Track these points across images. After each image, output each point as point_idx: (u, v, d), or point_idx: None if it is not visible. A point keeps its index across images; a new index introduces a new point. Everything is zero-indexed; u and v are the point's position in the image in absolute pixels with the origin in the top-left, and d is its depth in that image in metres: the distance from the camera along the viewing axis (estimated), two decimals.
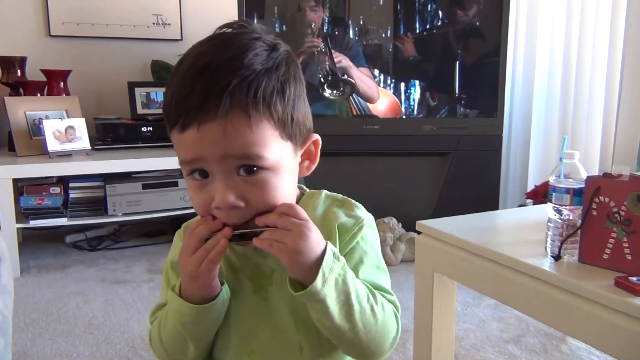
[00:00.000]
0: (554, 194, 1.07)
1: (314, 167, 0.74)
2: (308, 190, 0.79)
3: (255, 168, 0.64)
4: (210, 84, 0.61)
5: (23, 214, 2.40)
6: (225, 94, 0.61)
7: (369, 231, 0.74)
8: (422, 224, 1.40)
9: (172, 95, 0.63)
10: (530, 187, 2.66)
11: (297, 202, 0.74)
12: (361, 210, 0.76)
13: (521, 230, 1.39)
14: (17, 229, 2.39)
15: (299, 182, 0.77)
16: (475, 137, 2.57)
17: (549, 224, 1.09)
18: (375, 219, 2.65)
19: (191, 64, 0.63)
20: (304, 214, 0.66)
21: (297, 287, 0.65)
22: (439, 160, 2.62)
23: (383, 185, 2.63)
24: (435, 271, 1.35)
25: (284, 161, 0.67)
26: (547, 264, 1.07)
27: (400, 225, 2.53)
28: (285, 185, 0.68)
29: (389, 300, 0.73)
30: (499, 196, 2.68)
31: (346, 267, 0.67)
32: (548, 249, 1.09)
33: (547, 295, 1.04)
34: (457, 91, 2.60)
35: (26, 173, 2.35)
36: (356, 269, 0.71)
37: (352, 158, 2.62)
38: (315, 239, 0.64)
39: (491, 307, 2.04)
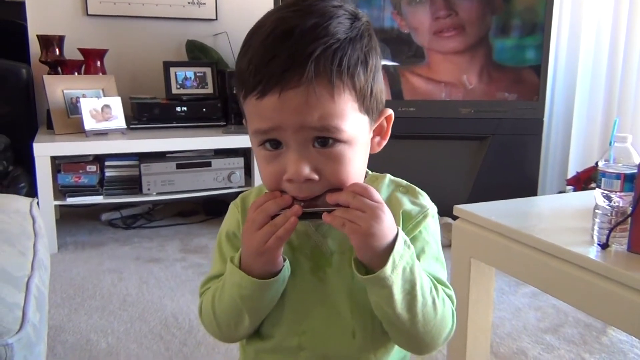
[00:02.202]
0: (603, 179, 1.02)
1: (384, 143, 0.71)
2: (371, 172, 0.76)
3: (331, 140, 0.62)
4: (294, 50, 0.59)
5: (60, 191, 2.44)
6: (310, 61, 0.59)
7: (432, 221, 0.72)
8: (459, 208, 1.36)
9: (251, 60, 0.61)
10: (571, 174, 2.57)
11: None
12: (426, 199, 0.73)
13: (563, 217, 1.34)
14: (55, 206, 2.43)
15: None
16: (515, 121, 2.49)
17: (597, 210, 1.04)
18: None
19: (272, 29, 0.61)
20: (378, 196, 0.64)
21: (362, 271, 0.63)
22: (477, 145, 2.56)
23: (417, 169, 2.58)
24: (473, 257, 1.31)
25: (359, 135, 0.65)
26: (593, 252, 1.02)
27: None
28: (358, 161, 0.66)
29: (447, 295, 0.70)
30: (537, 182, 2.60)
31: (414, 256, 0.65)
32: (595, 237, 1.04)
33: (592, 284, 0.99)
34: (496, 73, 2.52)
35: (64, 151, 2.38)
36: (417, 259, 0.69)
37: (388, 141, 2.57)
38: (389, 224, 0.63)
39: (528, 296, 1.99)
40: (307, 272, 0.71)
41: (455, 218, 1.38)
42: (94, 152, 2.46)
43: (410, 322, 0.65)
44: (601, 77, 2.57)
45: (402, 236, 0.64)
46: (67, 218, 2.85)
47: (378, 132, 0.70)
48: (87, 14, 2.83)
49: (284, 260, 0.69)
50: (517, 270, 1.22)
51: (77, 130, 2.49)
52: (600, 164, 1.03)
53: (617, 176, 1.00)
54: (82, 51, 2.68)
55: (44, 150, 2.29)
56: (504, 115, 2.49)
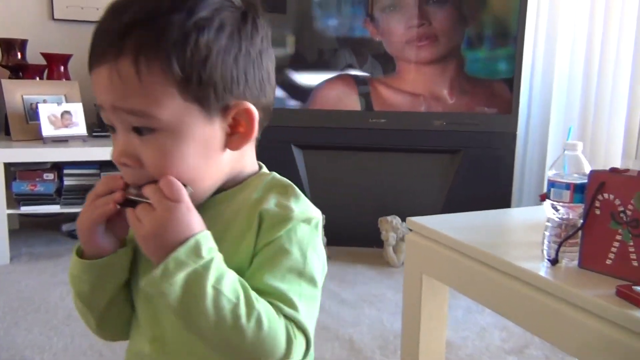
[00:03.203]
0: (552, 189, 0.95)
1: (246, 144, 0.62)
2: (264, 170, 0.68)
3: (146, 129, 0.57)
4: (108, 25, 0.56)
5: (15, 199, 2.34)
6: (118, 36, 0.54)
7: (302, 229, 0.61)
8: (412, 220, 1.28)
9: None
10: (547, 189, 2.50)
11: (242, 182, 0.65)
12: (300, 203, 0.63)
13: (520, 231, 1.27)
14: (10, 215, 2.33)
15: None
16: (488, 135, 2.42)
17: (547, 223, 0.97)
18: (379, 217, 2.49)
19: (108, 5, 0.58)
20: (179, 193, 0.56)
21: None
22: (449, 158, 2.49)
23: (388, 183, 2.51)
24: (424, 273, 1.23)
25: (185, 126, 0.58)
26: (542, 268, 0.95)
27: (404, 225, 2.41)
28: (186, 155, 0.58)
29: (287, 316, 0.58)
30: (511, 198, 2.53)
31: (213, 266, 0.55)
32: (545, 252, 0.96)
33: (540, 303, 0.91)
34: (469, 85, 2.46)
35: (18, 157, 2.29)
36: (262, 268, 0.59)
37: (356, 153, 2.50)
38: (179, 227, 0.55)
39: (494, 315, 1.90)
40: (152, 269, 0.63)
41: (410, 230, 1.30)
42: (52, 160, 2.37)
43: (207, 344, 0.59)
44: (577, 89, 2.52)
45: (192, 244, 0.55)
46: (26, 228, 2.75)
47: (237, 127, 0.61)
48: (53, 19, 2.76)
49: (121, 249, 0.64)
50: (467, 288, 1.14)
51: (36, 137, 2.40)
52: (550, 173, 0.95)
53: (567, 186, 0.93)
54: (45, 56, 2.60)
55: None
56: (477, 129, 2.43)
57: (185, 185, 0.58)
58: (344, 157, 2.51)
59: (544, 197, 2.24)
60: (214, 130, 0.60)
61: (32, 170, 2.36)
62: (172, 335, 0.63)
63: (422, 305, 1.24)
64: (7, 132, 2.44)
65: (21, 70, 2.56)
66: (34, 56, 2.61)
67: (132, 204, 0.58)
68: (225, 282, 0.56)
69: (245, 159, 0.66)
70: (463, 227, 1.22)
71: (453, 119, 2.43)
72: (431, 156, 2.49)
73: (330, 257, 2.67)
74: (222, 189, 0.64)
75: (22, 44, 2.58)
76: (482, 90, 2.47)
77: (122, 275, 0.65)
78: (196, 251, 0.55)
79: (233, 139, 0.61)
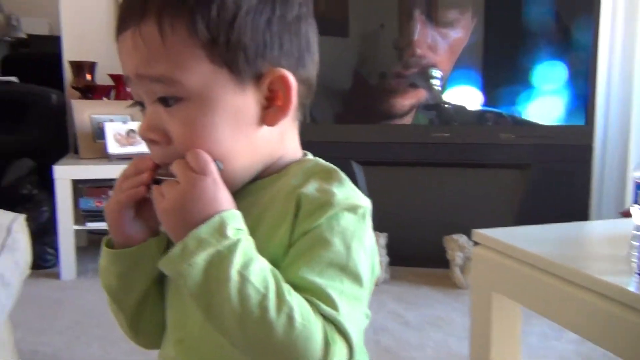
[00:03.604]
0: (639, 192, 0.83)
1: (284, 117, 0.56)
2: (311, 157, 0.62)
3: (171, 99, 0.52)
4: None
5: (82, 216, 2.40)
6: None
7: (346, 217, 0.53)
8: (479, 232, 1.19)
9: None
10: (628, 204, 2.31)
11: (285, 168, 0.59)
12: (345, 188, 0.55)
13: (605, 243, 1.14)
14: (79, 232, 2.39)
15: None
16: (560, 148, 2.27)
17: (636, 232, 0.85)
18: (444, 236, 2.35)
19: None
20: (206, 165, 0.51)
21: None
22: (518, 173, 2.34)
23: (453, 200, 2.39)
24: (494, 291, 1.13)
25: (215, 94, 0.52)
26: (632, 283, 0.83)
27: (471, 244, 2.27)
28: (217, 127, 0.53)
29: (325, 316, 0.50)
30: (588, 215, 2.35)
31: (238, 249, 0.49)
32: (635, 265, 0.85)
33: (630, 324, 0.80)
34: (539, 95, 2.32)
35: (85, 174, 2.35)
36: (298, 260, 0.52)
37: (419, 169, 2.41)
38: (204, 202, 0.50)
39: (575, 342, 1.74)
40: None
41: (476, 244, 1.20)
42: (116, 176, 2.41)
43: (228, 338, 0.51)
44: None
45: (216, 221, 0.50)
46: (94, 245, 2.81)
47: (274, 99, 0.55)
48: None
49: (152, 239, 0.58)
50: (543, 307, 1.03)
51: (103, 155, 2.46)
52: (637, 174, 0.84)
53: None
54: (113, 77, 2.68)
55: (64, 173, 2.26)
56: (549, 141, 2.27)
57: (214, 161, 0.53)
58: (407, 173, 2.42)
59: (626, 214, 2.07)
60: (247, 100, 0.54)
61: (98, 187, 2.41)
62: (198, 337, 0.58)
63: (492, 326, 1.13)
64: (77, 151, 2.52)
65: (90, 91, 2.64)
66: (102, 77, 2.70)
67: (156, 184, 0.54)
68: (254, 269, 0.49)
69: (287, 144, 0.59)
70: (537, 240, 1.12)
71: (522, 132, 2.29)
72: (499, 171, 2.36)
73: (393, 278, 2.59)
74: (260, 176, 0.58)
75: (91, 66, 2.67)
76: (554, 101, 2.32)
77: (154, 267, 0.57)
78: (221, 230, 0.50)
79: (269, 113, 0.56)
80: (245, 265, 0.49)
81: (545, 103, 2.32)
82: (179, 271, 0.50)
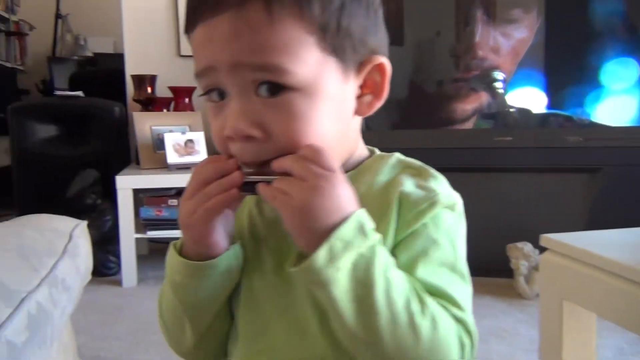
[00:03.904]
0: None
1: (379, 104, 0.54)
2: (379, 152, 0.60)
3: (277, 86, 0.47)
4: None
5: (143, 224, 2.45)
6: None
7: (448, 215, 0.53)
8: (548, 238, 1.11)
9: None
10: None
11: (359, 165, 0.56)
12: (441, 184, 0.54)
13: None
14: (140, 240, 2.45)
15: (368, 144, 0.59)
16: (634, 150, 2.12)
17: None
18: (507, 244, 2.24)
19: None
20: (331, 162, 0.47)
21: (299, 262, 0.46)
22: (586, 177, 2.21)
23: (517, 206, 2.28)
24: (565, 299, 1.05)
25: (322, 82, 0.49)
26: None
27: (537, 252, 2.16)
28: (323, 119, 0.49)
29: (455, 317, 0.49)
30: None
31: (379, 250, 0.46)
32: None
33: None
34: (609, 95, 2.19)
35: (145, 184, 2.40)
36: (414, 262, 0.50)
37: (481, 175, 2.32)
38: (338, 200, 0.46)
39: None
40: (270, 272, 0.54)
41: (544, 250, 1.12)
42: (175, 185, 2.46)
43: (373, 348, 0.46)
44: None
45: (356, 219, 0.46)
46: (155, 253, 2.87)
47: (369, 88, 0.53)
48: (180, 55, 2.92)
49: (234, 245, 0.53)
50: (622, 318, 0.94)
51: (163, 165, 2.51)
52: None
53: None
54: (172, 89, 2.75)
55: (125, 183, 2.32)
56: (621, 144, 2.13)
57: None
58: (467, 179, 2.33)
59: None
60: (348, 90, 0.52)
61: (158, 196, 2.46)
62: (282, 347, 0.53)
63: (564, 338, 1.05)
64: (138, 161, 2.59)
65: (150, 104, 2.72)
66: (162, 90, 2.77)
67: (250, 187, 0.49)
68: (393, 271, 0.47)
69: (357, 138, 0.58)
70: (611, 244, 1.03)
71: (591, 134, 2.16)
72: (565, 176, 2.24)
73: None
74: None
75: (152, 79, 2.74)
76: (626, 101, 2.18)
77: (238, 277, 0.55)
78: (362, 230, 0.46)
79: (362, 102, 0.53)
80: (387, 267, 0.47)
81: (615, 104, 2.19)
82: (325, 278, 0.45)
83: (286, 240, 0.53)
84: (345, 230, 0.45)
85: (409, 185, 0.53)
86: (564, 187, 2.25)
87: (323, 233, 0.45)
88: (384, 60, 0.53)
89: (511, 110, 2.30)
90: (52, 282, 0.99)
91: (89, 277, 1.28)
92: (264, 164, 0.50)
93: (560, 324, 1.05)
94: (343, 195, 0.47)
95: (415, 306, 0.47)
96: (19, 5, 4.79)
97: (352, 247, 0.45)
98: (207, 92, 0.52)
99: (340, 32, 0.49)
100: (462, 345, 0.49)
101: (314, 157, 0.47)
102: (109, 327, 1.93)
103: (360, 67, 0.52)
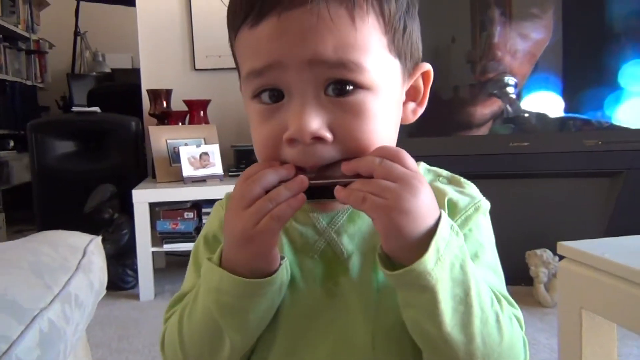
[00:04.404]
0: None
1: (421, 111, 0.55)
2: None
3: (350, 86, 0.46)
4: None
5: (159, 237, 2.47)
6: None
7: (484, 219, 0.55)
8: (565, 246, 1.09)
9: None
10: None
11: None
12: (475, 190, 0.56)
13: None
14: (157, 254, 2.46)
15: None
16: None
17: None
18: (526, 251, 2.21)
19: None
20: (414, 163, 0.46)
21: (390, 267, 0.45)
22: (607, 181, 2.17)
23: (535, 212, 2.25)
24: (584, 308, 1.02)
25: (388, 84, 0.49)
26: None
27: (556, 259, 2.12)
28: (387, 120, 0.49)
29: (515, 316, 0.52)
30: None
31: (465, 250, 0.46)
32: None
33: None
34: (629, 97, 2.15)
35: (161, 197, 2.42)
36: None
37: (497, 181, 2.28)
38: (428, 200, 0.45)
39: None
40: (312, 282, 0.52)
41: (562, 258, 1.10)
42: (190, 199, 2.47)
43: (464, 348, 0.46)
44: None
45: (447, 219, 0.46)
46: (172, 267, 2.88)
47: (412, 95, 0.54)
48: (195, 69, 2.95)
49: (282, 258, 0.50)
50: None
51: (178, 178, 2.52)
52: None
53: None
54: (187, 102, 2.77)
55: (141, 197, 2.34)
56: None
57: None
58: (484, 185, 2.24)
59: None
60: (403, 94, 0.53)
61: (174, 209, 2.47)
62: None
63: (584, 348, 1.02)
64: (154, 175, 2.61)
65: (166, 117, 2.74)
66: (177, 103, 2.79)
67: (314, 192, 0.47)
68: (475, 269, 0.48)
69: None
70: (631, 251, 1.00)
71: (610, 137, 2.12)
72: (585, 180, 2.19)
73: None
74: None
75: (167, 94, 2.77)
76: None
77: (284, 292, 0.52)
78: (453, 228, 0.46)
79: (407, 109, 0.55)
80: (472, 266, 0.47)
81: (635, 106, 2.14)
82: (434, 278, 0.44)
83: (330, 249, 0.52)
84: (444, 230, 0.45)
85: (451, 192, 0.55)
86: (584, 192, 2.21)
87: (421, 236, 0.44)
88: (430, 68, 0.54)
89: (527, 115, 2.27)
90: (65, 299, 1.00)
91: (104, 292, 1.28)
92: (322, 168, 0.48)
93: (579, 334, 1.02)
94: (431, 195, 0.46)
95: (497, 305, 0.48)
96: (39, 24, 4.89)
97: (451, 247, 0.45)
98: (258, 94, 0.50)
99: (405, 35, 0.50)
100: (524, 343, 0.51)
101: (398, 158, 0.46)
102: (126, 340, 1.93)
103: (411, 72, 0.53)
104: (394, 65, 0.50)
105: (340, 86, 0.47)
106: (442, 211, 0.47)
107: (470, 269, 0.46)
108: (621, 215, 2.12)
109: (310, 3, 0.44)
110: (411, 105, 0.55)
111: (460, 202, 0.54)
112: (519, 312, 0.53)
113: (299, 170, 0.48)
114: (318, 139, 0.46)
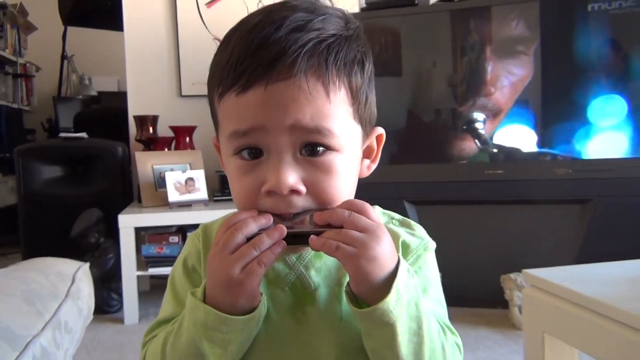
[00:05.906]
0: None
1: (374, 167, 0.64)
2: None
3: (321, 148, 0.54)
4: (285, 40, 0.52)
5: (144, 262, 2.50)
6: (304, 52, 0.52)
7: (432, 257, 0.63)
8: (529, 273, 1.16)
9: (233, 51, 0.55)
10: None
11: None
12: (423, 232, 0.65)
13: None
14: (141, 277, 2.49)
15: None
16: (626, 181, 2.17)
17: None
18: (501, 275, 2.28)
19: (259, 20, 0.55)
20: (377, 215, 0.55)
21: (356, 304, 0.53)
22: (578, 209, 2.26)
23: (510, 238, 2.33)
24: (547, 332, 1.09)
25: (352, 147, 0.58)
26: None
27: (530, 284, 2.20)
28: (350, 177, 0.58)
29: (456, 343, 0.59)
30: None
31: (419, 289, 0.55)
32: None
33: None
34: (597, 131, 2.25)
35: (147, 222, 2.45)
36: None
37: (474, 207, 2.37)
38: (389, 247, 0.53)
39: None
40: (283, 312, 0.59)
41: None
42: (176, 223, 2.52)
43: None
44: None
45: (405, 263, 0.54)
46: (157, 289, 2.91)
47: (367, 154, 0.63)
48: (181, 95, 3.01)
49: (260, 294, 0.56)
50: (604, 353, 0.98)
51: (164, 202, 2.57)
52: None
53: None
54: (173, 129, 2.82)
55: (127, 222, 2.38)
56: (612, 175, 2.18)
57: None
58: (461, 212, 2.39)
59: None
60: (360, 154, 0.61)
61: (159, 234, 2.51)
62: None
63: None
64: (140, 200, 2.65)
65: (152, 143, 2.79)
66: (163, 129, 2.85)
67: (291, 239, 0.53)
68: (425, 304, 0.55)
69: None
70: (593, 280, 1.07)
71: (580, 166, 2.22)
72: (557, 207, 2.28)
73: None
74: None
75: (154, 120, 2.83)
76: (615, 136, 2.24)
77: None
78: (409, 271, 0.54)
79: (363, 166, 0.63)
80: (424, 302, 0.55)
81: (604, 139, 2.24)
82: (394, 315, 0.51)
83: (299, 282, 0.59)
84: (402, 273, 0.52)
85: (404, 234, 0.63)
86: (557, 218, 2.29)
87: (385, 279, 0.51)
88: (383, 132, 0.63)
89: (501, 145, 2.36)
90: (55, 325, 1.05)
91: (91, 317, 1.33)
92: (295, 214, 0.55)
93: (542, 357, 1.09)
94: (391, 244, 0.54)
95: (442, 335, 0.56)
96: (27, 47, 4.93)
97: (408, 288, 0.53)
98: (239, 151, 0.56)
99: (367, 105, 0.58)
100: None
101: (363, 211, 0.54)
102: None
103: (369, 134, 0.61)
104: (357, 130, 0.59)
105: (312, 148, 0.55)
106: (400, 256, 0.54)
107: (422, 305, 0.54)
108: (593, 240, 2.21)
109: (294, 77, 0.52)
110: (366, 162, 0.64)
111: (412, 243, 0.62)
112: (459, 340, 0.61)
113: (275, 216, 0.55)
114: (294, 191, 0.54)
